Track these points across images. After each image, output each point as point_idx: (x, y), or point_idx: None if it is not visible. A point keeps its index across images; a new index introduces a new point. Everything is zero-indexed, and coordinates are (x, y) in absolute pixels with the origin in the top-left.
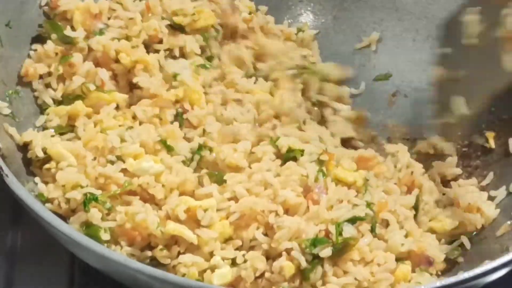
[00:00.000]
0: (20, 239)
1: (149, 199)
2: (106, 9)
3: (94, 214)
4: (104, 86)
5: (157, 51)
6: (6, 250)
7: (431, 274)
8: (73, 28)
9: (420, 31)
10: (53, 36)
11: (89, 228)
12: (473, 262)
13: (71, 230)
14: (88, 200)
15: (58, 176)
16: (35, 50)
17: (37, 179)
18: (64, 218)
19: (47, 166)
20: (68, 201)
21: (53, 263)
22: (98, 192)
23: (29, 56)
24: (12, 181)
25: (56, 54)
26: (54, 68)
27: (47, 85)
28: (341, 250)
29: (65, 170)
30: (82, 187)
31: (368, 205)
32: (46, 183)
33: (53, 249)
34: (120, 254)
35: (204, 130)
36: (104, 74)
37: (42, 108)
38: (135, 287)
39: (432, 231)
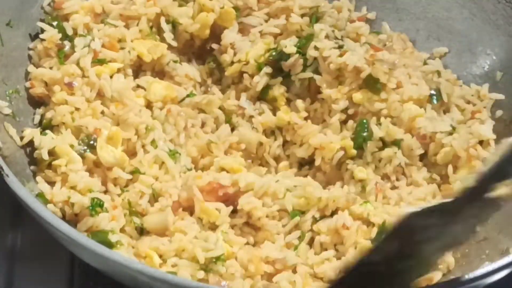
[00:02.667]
0: (20, 239)
1: None
2: (109, 7)
3: (102, 219)
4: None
5: None
6: (6, 250)
7: None
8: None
9: (420, 31)
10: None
11: (96, 234)
12: (473, 264)
13: (71, 230)
14: (95, 205)
15: (71, 177)
16: (34, 48)
17: (39, 179)
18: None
19: (56, 162)
20: (72, 205)
21: (53, 263)
22: (106, 198)
23: (29, 57)
24: (13, 181)
25: (56, 45)
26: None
27: None
28: None
29: (78, 173)
30: (91, 191)
31: None
32: (50, 183)
33: (53, 249)
34: (120, 254)
35: None
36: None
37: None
38: (135, 287)
39: None
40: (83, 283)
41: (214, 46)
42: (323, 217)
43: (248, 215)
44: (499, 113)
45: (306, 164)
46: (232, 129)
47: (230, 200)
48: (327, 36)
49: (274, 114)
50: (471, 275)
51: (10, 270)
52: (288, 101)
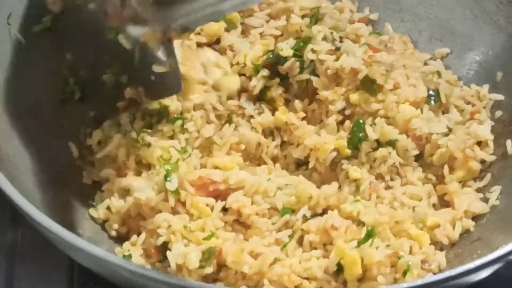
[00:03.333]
0: (20, 239)
1: None
2: None
3: None
4: None
5: None
6: (6, 250)
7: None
8: None
9: (423, 32)
10: None
11: None
12: (463, 263)
13: (67, 232)
14: None
15: None
16: None
17: None
18: None
19: None
20: None
21: (53, 263)
22: None
23: None
24: (6, 184)
25: None
26: None
27: None
28: None
29: None
30: None
31: None
32: None
33: (53, 249)
34: (116, 256)
35: None
36: None
37: None
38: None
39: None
40: (83, 283)
41: (215, 47)
42: (314, 215)
43: (238, 213)
44: (498, 113)
45: (303, 165)
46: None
47: (221, 197)
48: (324, 38)
49: (274, 114)
50: (454, 271)
51: (10, 270)
52: (287, 102)
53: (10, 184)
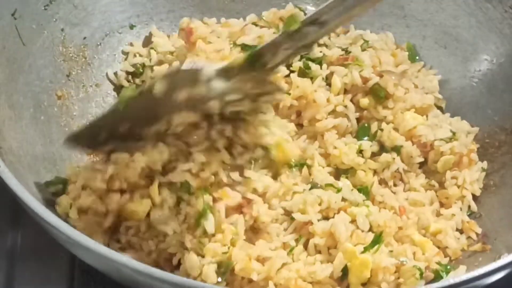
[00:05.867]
0: (20, 239)
1: None
2: None
3: None
4: None
5: None
6: (6, 250)
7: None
8: None
9: (427, 38)
10: None
11: None
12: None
13: (70, 229)
14: None
15: None
16: None
17: None
18: None
19: None
20: None
21: (53, 263)
22: None
23: None
24: (10, 178)
25: None
26: None
27: None
28: None
29: None
30: None
31: None
32: None
33: (53, 249)
34: (120, 254)
35: None
36: None
37: None
38: (134, 287)
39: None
40: (84, 283)
41: None
42: (324, 219)
43: (254, 219)
44: None
45: None
46: None
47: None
48: None
49: None
50: (457, 279)
51: (10, 270)
52: None
53: (14, 178)
